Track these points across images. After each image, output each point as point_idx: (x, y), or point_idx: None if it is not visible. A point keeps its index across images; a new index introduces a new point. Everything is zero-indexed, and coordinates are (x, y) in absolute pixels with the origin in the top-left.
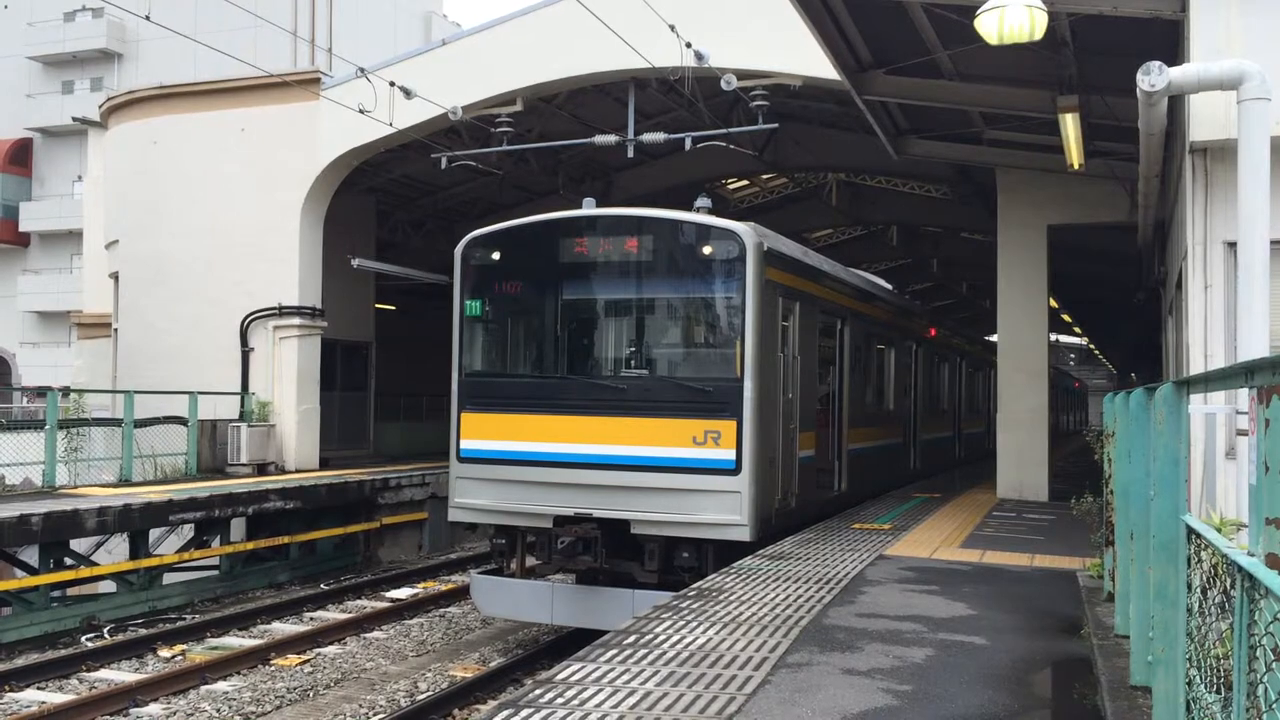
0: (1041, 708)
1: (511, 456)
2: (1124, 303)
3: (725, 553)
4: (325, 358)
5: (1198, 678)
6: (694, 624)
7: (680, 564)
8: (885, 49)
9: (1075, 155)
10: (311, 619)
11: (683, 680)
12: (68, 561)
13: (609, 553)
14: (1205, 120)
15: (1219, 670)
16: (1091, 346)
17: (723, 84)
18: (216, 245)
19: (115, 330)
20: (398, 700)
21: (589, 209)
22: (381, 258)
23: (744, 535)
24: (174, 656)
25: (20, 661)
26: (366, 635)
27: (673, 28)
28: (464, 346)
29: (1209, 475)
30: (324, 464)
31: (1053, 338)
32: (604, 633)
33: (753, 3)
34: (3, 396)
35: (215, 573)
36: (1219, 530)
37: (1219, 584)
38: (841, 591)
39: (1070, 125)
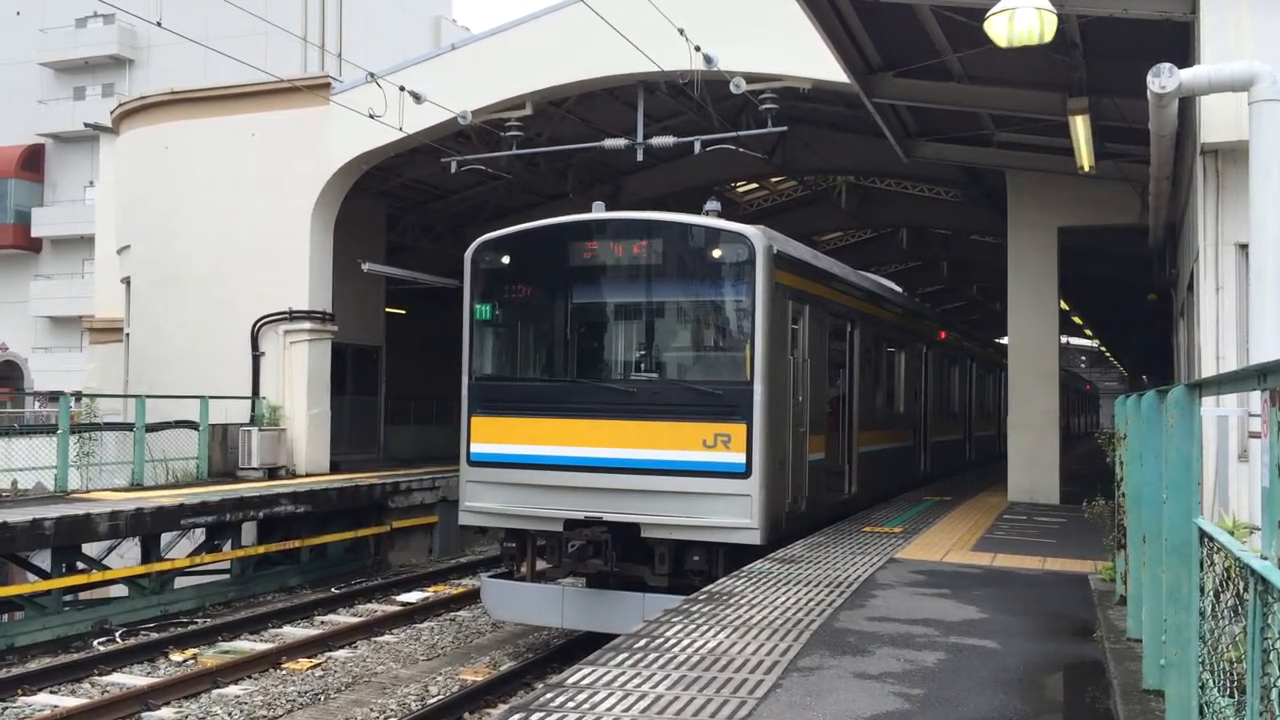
0: (1053, 711)
1: (521, 460)
2: (1135, 305)
3: (736, 556)
4: (336, 362)
5: (1211, 681)
6: (705, 627)
7: (691, 567)
8: (894, 52)
9: (1085, 157)
10: (322, 623)
11: (694, 684)
12: (80, 565)
13: (619, 556)
14: (1216, 122)
15: (1232, 674)
16: (1103, 349)
17: (732, 87)
18: (227, 250)
19: (127, 335)
20: (408, 704)
21: (598, 213)
22: (391, 261)
23: (754, 538)
24: (185, 660)
25: (33, 665)
26: (377, 639)
27: (682, 31)
28: (474, 350)
29: (1221, 478)
30: (334, 468)
31: (1063, 340)
32: (614, 636)
33: (761, 6)
34: (15, 401)
35: (226, 576)
36: (1231, 533)
37: (1232, 587)
38: (852, 595)
39: (1080, 127)
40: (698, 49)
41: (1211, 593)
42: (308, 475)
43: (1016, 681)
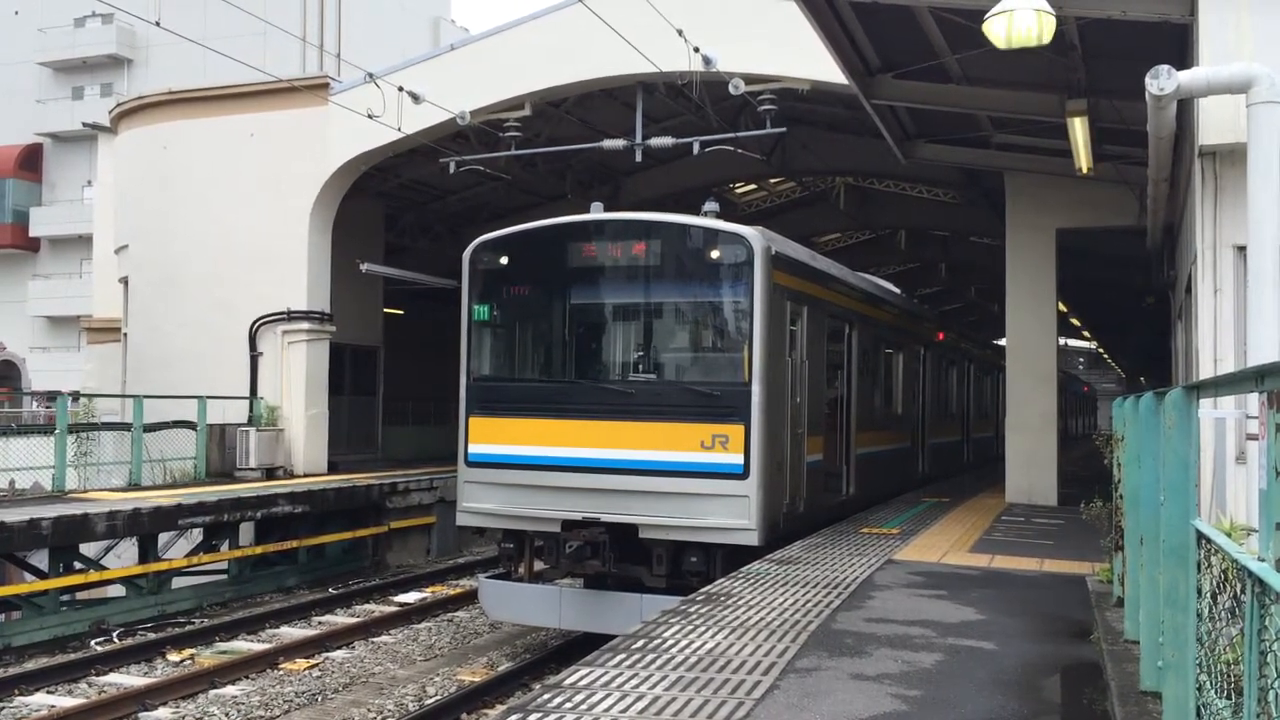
0: (1051, 713)
1: (519, 461)
2: (1133, 307)
3: (733, 557)
4: (334, 362)
5: (1208, 683)
6: (702, 628)
7: (688, 568)
8: (893, 53)
9: (1084, 159)
10: (320, 623)
11: (691, 685)
12: (77, 565)
13: (617, 557)
14: (1214, 124)
15: (1229, 675)
16: (1101, 351)
17: (730, 88)
18: (226, 250)
19: (125, 335)
20: (406, 704)
21: (597, 213)
22: (390, 262)
23: (752, 539)
24: (183, 660)
25: (30, 665)
26: (375, 639)
27: (680, 32)
28: (472, 351)
29: (1219, 480)
30: (332, 468)
31: (1061, 342)
32: (612, 637)
33: (760, 7)
34: (13, 401)
35: (224, 577)
36: (1229, 535)
37: (1229, 589)
38: (850, 596)
39: (1079, 129)
40: (696, 50)
41: (1209, 595)
42: (305, 475)
43: (1014, 683)
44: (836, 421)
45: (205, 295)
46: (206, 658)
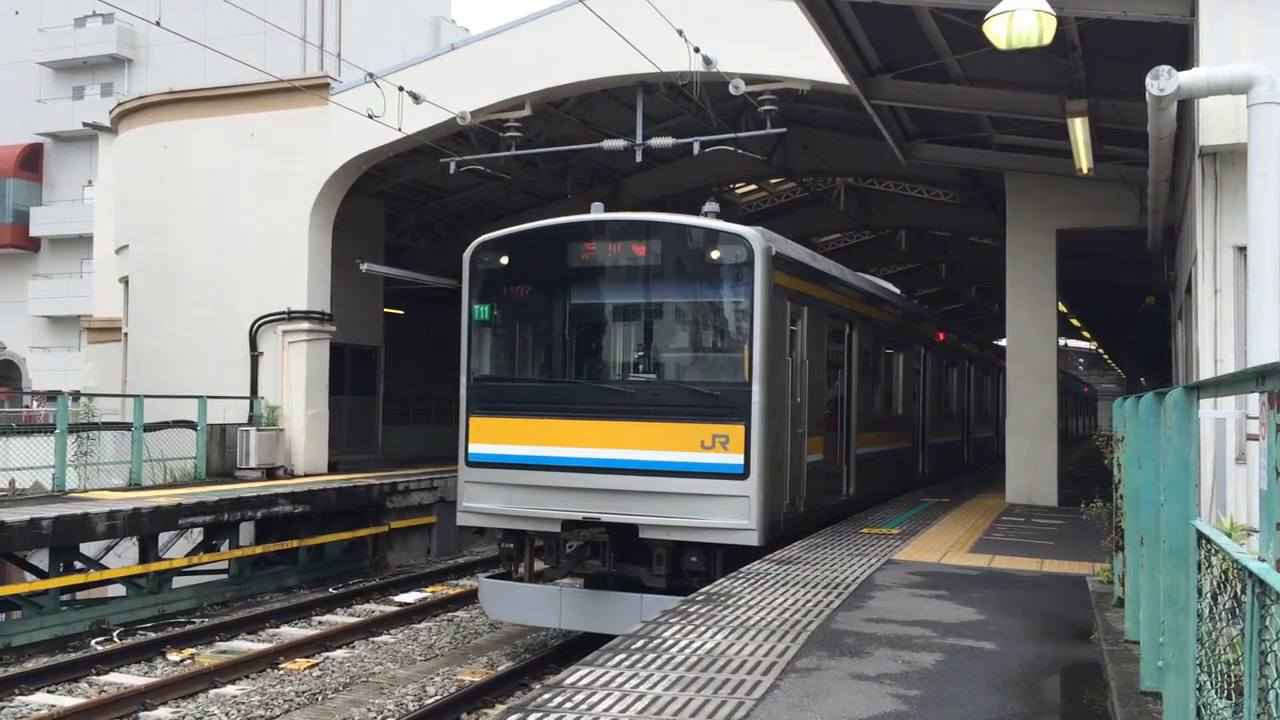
0: (1051, 713)
1: (520, 461)
2: (1134, 307)
3: (733, 557)
4: (334, 362)
5: (1208, 683)
6: (702, 628)
7: (688, 568)
8: (894, 54)
9: (1084, 159)
10: (320, 623)
11: (691, 685)
12: (77, 565)
13: (617, 557)
14: (1215, 124)
15: (1230, 676)
16: (1101, 351)
17: (731, 89)
18: (226, 250)
19: (125, 334)
20: (406, 704)
21: (597, 214)
22: (390, 262)
23: (752, 540)
24: (183, 660)
25: (30, 665)
26: (375, 639)
27: (681, 33)
28: (472, 351)
29: (1219, 480)
30: (332, 468)
31: (1061, 342)
32: (612, 637)
33: (761, 8)
34: (13, 400)
35: (224, 576)
36: (1229, 535)
37: (1229, 589)
38: (850, 596)
39: (1079, 129)
40: (697, 50)
41: (1209, 595)
42: (306, 475)
43: (1014, 683)
44: (837, 422)
45: (205, 295)
46: (207, 657)
